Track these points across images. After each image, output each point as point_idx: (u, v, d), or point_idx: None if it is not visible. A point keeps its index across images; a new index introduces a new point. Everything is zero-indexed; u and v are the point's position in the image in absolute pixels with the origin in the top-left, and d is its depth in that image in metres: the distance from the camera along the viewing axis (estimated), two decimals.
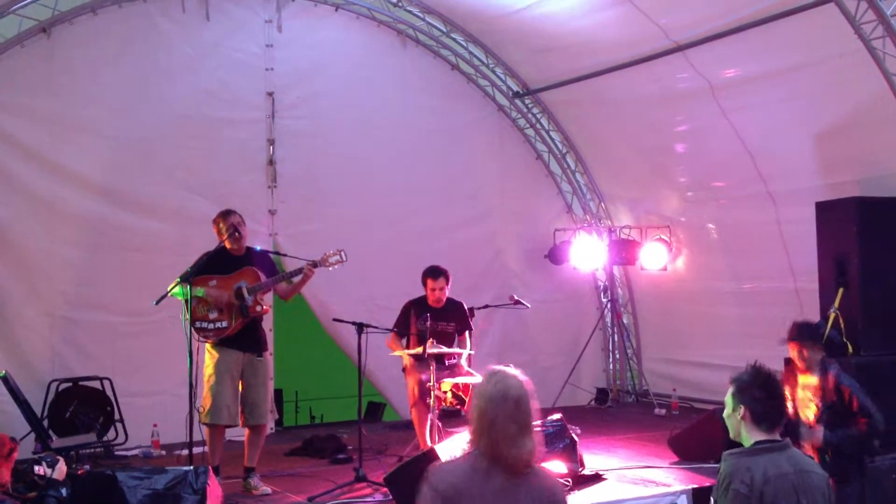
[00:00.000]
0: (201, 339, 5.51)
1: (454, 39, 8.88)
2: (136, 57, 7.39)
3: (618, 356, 9.74)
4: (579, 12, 7.46)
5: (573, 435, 5.80)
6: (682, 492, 5.44)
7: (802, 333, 4.76)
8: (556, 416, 5.95)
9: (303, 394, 10.98)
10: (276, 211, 7.92)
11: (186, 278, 5.38)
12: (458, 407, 5.99)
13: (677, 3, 7.05)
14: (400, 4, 8.46)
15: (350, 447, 6.70)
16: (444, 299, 6.40)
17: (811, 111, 6.91)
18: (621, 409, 9.18)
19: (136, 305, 7.01)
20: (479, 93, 9.16)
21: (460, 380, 6.03)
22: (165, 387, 7.06)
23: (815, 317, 6.56)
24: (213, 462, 5.45)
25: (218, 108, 7.69)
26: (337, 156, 8.21)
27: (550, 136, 9.47)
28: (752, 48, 6.86)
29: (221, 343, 5.54)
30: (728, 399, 3.02)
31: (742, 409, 2.93)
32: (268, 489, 5.57)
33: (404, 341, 6.44)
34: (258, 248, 5.97)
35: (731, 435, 3.04)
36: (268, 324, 6.69)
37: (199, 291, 5.48)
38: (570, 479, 5.43)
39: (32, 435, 6.10)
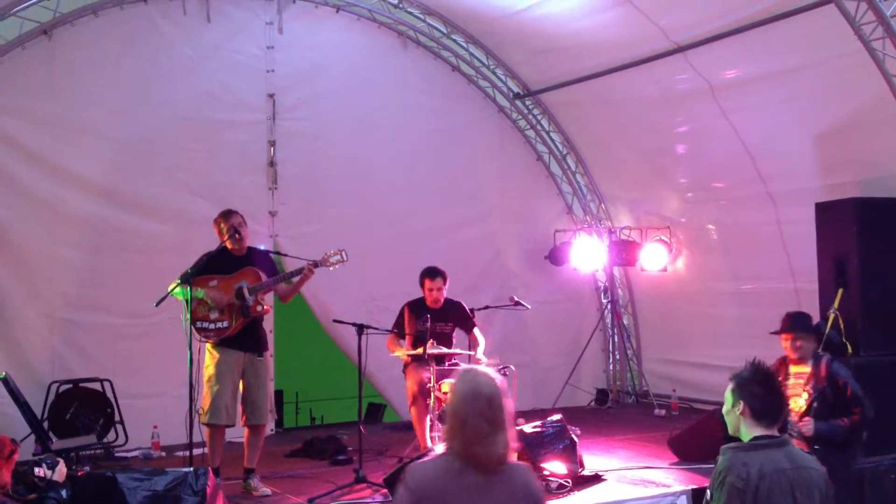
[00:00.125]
0: (202, 339, 5.52)
1: (455, 41, 8.89)
2: (138, 59, 7.41)
3: (618, 357, 9.75)
4: (579, 13, 7.47)
5: (573, 436, 5.81)
6: (681, 492, 5.45)
7: (795, 324, 4.78)
8: (556, 416, 5.96)
9: (303, 395, 11.00)
10: (276, 212, 7.93)
11: (187, 279, 5.39)
12: None
13: (677, 4, 7.06)
14: (401, 6, 8.47)
15: (350, 448, 6.70)
16: (442, 300, 6.41)
17: (811, 112, 6.92)
18: (621, 409, 9.19)
19: (136, 307, 7.02)
20: (479, 94, 9.17)
21: None
22: (165, 388, 7.07)
23: (814, 317, 6.56)
24: (213, 463, 5.45)
25: (219, 109, 7.70)
26: (337, 157, 8.22)
27: (551, 137, 9.48)
28: (752, 49, 6.87)
29: (222, 343, 5.55)
30: (727, 395, 3.04)
31: (741, 405, 2.96)
32: (268, 490, 5.57)
33: (403, 342, 6.44)
34: (262, 247, 5.98)
35: (730, 431, 3.07)
36: (268, 325, 6.70)
37: (200, 292, 5.49)
38: (569, 480, 5.44)
39: (32, 436, 6.10)
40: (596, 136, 9.23)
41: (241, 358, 5.59)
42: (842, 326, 6.20)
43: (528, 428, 5.73)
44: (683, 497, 5.43)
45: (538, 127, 9.41)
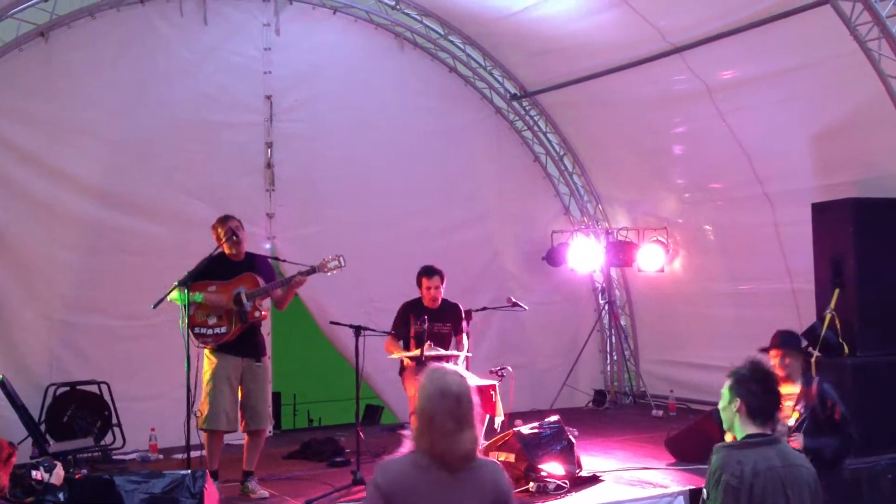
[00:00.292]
0: (200, 344, 5.51)
1: (452, 42, 8.90)
2: (135, 60, 7.40)
3: (615, 358, 9.75)
4: (577, 14, 7.48)
5: (570, 437, 5.82)
6: (678, 493, 5.46)
7: (785, 341, 4.78)
8: (554, 417, 5.98)
9: (301, 397, 11.00)
10: (273, 214, 7.92)
11: (185, 283, 5.38)
12: None
13: (674, 6, 7.06)
14: (398, 7, 8.47)
15: (348, 450, 6.70)
16: (440, 299, 6.42)
17: (808, 113, 6.93)
18: (619, 410, 9.19)
19: (134, 309, 7.01)
20: (476, 95, 9.18)
21: None
22: (163, 391, 7.05)
23: (811, 317, 6.59)
24: (211, 467, 5.44)
25: (216, 111, 7.70)
26: (335, 159, 8.22)
27: (548, 138, 9.49)
28: (749, 50, 6.88)
29: (220, 349, 5.54)
30: (724, 391, 3.06)
31: (738, 402, 2.98)
32: (265, 493, 5.57)
33: (402, 344, 6.44)
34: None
35: (724, 427, 3.09)
36: (266, 327, 6.68)
37: (198, 297, 5.48)
38: (567, 481, 5.44)
39: (30, 440, 6.10)
40: (593, 137, 9.23)
41: (239, 363, 5.58)
42: (838, 327, 6.22)
43: (525, 429, 5.74)
44: (681, 497, 5.44)
45: (535, 128, 9.42)
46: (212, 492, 4.83)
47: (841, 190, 6.73)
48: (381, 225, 8.36)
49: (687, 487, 5.50)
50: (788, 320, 5.21)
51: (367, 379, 7.49)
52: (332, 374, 9.15)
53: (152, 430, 6.83)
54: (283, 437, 7.99)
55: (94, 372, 6.95)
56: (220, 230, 5.63)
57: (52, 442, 6.32)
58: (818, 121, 6.87)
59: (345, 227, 7.99)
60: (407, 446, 2.69)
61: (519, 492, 5.30)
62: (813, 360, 5.66)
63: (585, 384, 9.50)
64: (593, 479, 5.72)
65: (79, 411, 6.65)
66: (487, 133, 9.23)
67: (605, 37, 7.62)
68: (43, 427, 6.48)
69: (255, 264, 5.73)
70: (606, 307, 9.67)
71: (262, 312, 5.64)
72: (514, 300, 7.24)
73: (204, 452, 5.57)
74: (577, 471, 5.70)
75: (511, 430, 5.73)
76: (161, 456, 6.78)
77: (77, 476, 5.09)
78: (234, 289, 5.55)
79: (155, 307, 5.43)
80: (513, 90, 9.24)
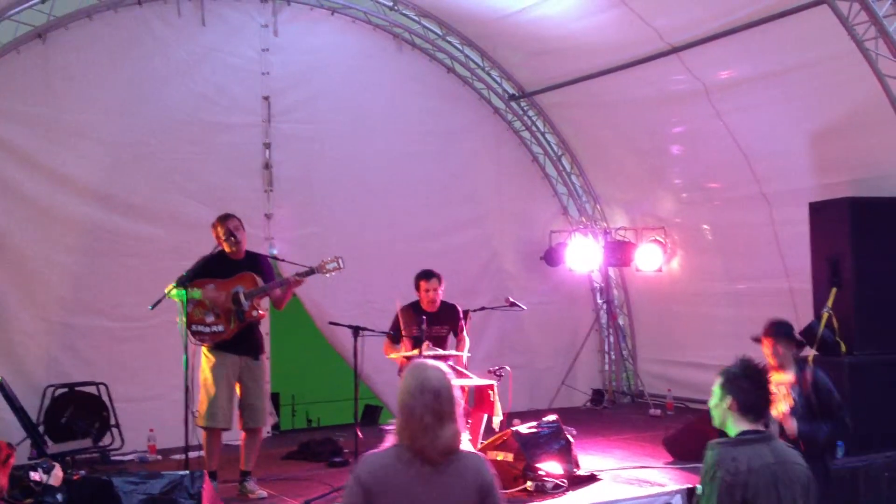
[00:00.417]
0: (197, 342, 5.52)
1: (450, 43, 8.90)
2: (132, 61, 7.40)
3: (613, 357, 9.77)
4: (575, 15, 7.49)
5: (569, 436, 5.83)
6: (676, 492, 5.47)
7: (777, 330, 4.79)
8: (552, 417, 5.99)
9: (299, 397, 10.99)
10: (272, 215, 7.91)
11: (184, 281, 5.39)
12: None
13: (672, 6, 7.07)
14: (396, 8, 8.47)
15: (347, 450, 6.70)
16: (438, 301, 6.42)
17: (805, 112, 6.94)
18: (617, 409, 9.20)
19: (132, 310, 7.01)
20: (474, 96, 9.18)
21: (459, 382, 6.04)
22: (161, 392, 7.04)
23: (808, 316, 6.61)
24: (209, 467, 5.45)
25: (214, 112, 7.69)
26: (333, 159, 8.22)
27: (546, 139, 9.50)
28: (746, 50, 6.89)
29: (218, 347, 5.54)
30: (715, 389, 3.08)
31: (729, 399, 3.00)
32: (264, 493, 5.57)
33: (400, 346, 6.44)
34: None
35: (716, 424, 3.11)
36: (264, 327, 6.68)
37: (197, 293, 5.49)
38: (565, 480, 5.45)
39: (28, 441, 6.10)
40: (591, 138, 9.25)
41: (237, 361, 5.58)
42: (835, 326, 6.24)
43: (523, 428, 5.75)
44: (678, 496, 5.45)
45: (534, 128, 9.43)
46: (210, 492, 4.83)
47: (838, 189, 6.75)
48: (379, 226, 8.37)
49: (684, 486, 5.51)
50: (785, 319, 5.22)
51: (366, 379, 7.49)
52: (331, 374, 9.16)
53: (151, 430, 6.84)
54: (281, 438, 7.99)
55: (92, 373, 6.94)
56: (219, 229, 5.64)
57: (50, 443, 6.31)
58: (815, 120, 6.89)
59: (343, 228, 8.00)
60: (390, 440, 2.71)
61: (517, 491, 5.33)
62: (810, 358, 5.66)
63: (583, 384, 9.51)
64: (591, 478, 5.74)
65: (77, 412, 6.64)
66: (486, 133, 9.24)
67: (603, 37, 7.63)
68: (41, 428, 6.47)
69: (255, 264, 5.73)
70: (604, 307, 9.68)
71: (260, 312, 5.65)
72: (512, 300, 7.23)
73: (202, 452, 5.57)
74: (575, 470, 5.72)
75: (509, 430, 5.74)
76: (159, 457, 6.78)
77: (75, 477, 5.08)
78: (232, 287, 5.55)
79: (153, 308, 5.44)
80: (511, 91, 9.25)
